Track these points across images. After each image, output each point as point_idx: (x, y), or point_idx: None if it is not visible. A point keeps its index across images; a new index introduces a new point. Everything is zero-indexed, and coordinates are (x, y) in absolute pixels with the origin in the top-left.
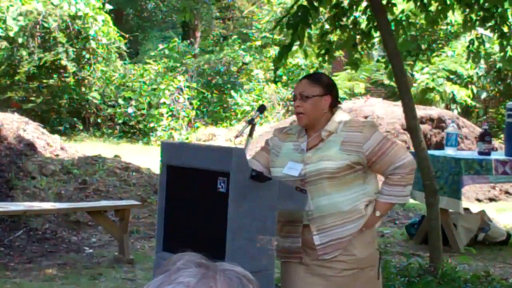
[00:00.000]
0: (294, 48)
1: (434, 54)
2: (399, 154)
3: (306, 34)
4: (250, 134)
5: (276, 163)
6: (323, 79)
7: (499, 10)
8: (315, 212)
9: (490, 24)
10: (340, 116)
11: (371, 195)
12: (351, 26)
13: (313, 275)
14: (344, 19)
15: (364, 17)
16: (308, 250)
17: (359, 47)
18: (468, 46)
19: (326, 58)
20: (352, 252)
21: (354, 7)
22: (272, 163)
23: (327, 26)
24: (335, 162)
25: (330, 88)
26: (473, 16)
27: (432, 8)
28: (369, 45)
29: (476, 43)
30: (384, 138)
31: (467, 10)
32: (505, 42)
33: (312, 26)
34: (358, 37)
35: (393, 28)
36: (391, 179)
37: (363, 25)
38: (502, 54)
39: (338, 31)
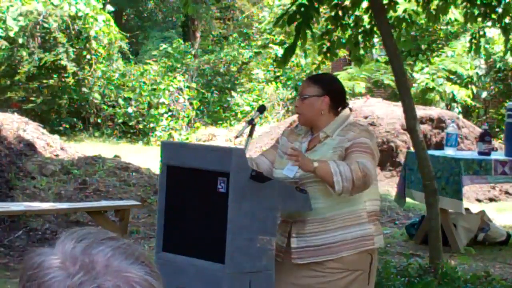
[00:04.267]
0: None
1: (434, 54)
2: (363, 160)
3: (309, 33)
4: (250, 135)
5: (279, 165)
6: (324, 80)
7: (501, 4)
8: (298, 216)
9: (492, 18)
10: (343, 119)
11: (358, 205)
12: (352, 25)
13: (300, 276)
14: (346, 18)
15: (366, 16)
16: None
17: (361, 46)
18: (471, 40)
19: (328, 55)
20: (340, 254)
21: (356, 7)
22: (275, 164)
23: (324, 25)
24: None
25: (330, 89)
26: (475, 10)
27: (433, 5)
28: (370, 44)
29: (477, 36)
30: (369, 146)
31: (468, 5)
32: (511, 37)
33: (314, 25)
34: (360, 36)
35: (395, 26)
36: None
37: (365, 23)
38: (505, 47)
39: (339, 30)
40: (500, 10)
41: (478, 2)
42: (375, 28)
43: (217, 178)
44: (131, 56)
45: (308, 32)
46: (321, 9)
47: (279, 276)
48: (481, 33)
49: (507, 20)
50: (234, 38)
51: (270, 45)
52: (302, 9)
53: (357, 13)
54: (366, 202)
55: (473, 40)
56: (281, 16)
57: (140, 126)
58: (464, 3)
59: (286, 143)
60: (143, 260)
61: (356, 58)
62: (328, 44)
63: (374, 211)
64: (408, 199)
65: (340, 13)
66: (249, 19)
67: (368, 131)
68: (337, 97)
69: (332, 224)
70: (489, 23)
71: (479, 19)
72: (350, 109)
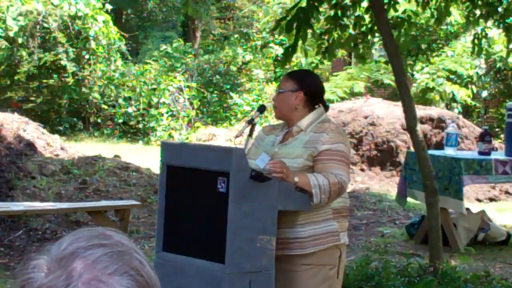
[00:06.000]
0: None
1: (434, 54)
2: (340, 172)
3: (309, 32)
4: (250, 134)
5: (253, 155)
6: (300, 76)
7: (503, 3)
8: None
9: (494, 18)
10: (317, 115)
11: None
12: (352, 26)
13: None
14: (345, 19)
15: (367, 15)
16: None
17: (360, 47)
18: (473, 40)
19: (327, 55)
20: (309, 250)
21: (356, 7)
22: (250, 154)
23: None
24: (295, 160)
25: (305, 85)
26: (477, 11)
27: (433, 5)
28: (370, 43)
29: (480, 37)
30: (344, 154)
31: (470, 6)
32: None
33: (314, 24)
34: (358, 36)
35: (395, 26)
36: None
37: (366, 22)
38: (508, 47)
39: (338, 30)
40: (501, 10)
41: (479, 3)
42: (375, 27)
43: (217, 178)
44: (129, 57)
45: (309, 31)
46: (321, 8)
47: None
48: (484, 34)
49: (509, 20)
50: (235, 39)
51: (271, 44)
52: (301, 14)
53: (357, 13)
54: None
55: (475, 41)
56: (279, 20)
57: (140, 126)
58: (466, 3)
59: (262, 136)
60: (128, 271)
61: (360, 55)
62: (327, 44)
63: (339, 209)
64: (408, 199)
65: (339, 13)
66: (249, 18)
67: (342, 133)
68: (313, 94)
69: (303, 218)
70: (489, 23)
71: (481, 20)
72: (327, 109)
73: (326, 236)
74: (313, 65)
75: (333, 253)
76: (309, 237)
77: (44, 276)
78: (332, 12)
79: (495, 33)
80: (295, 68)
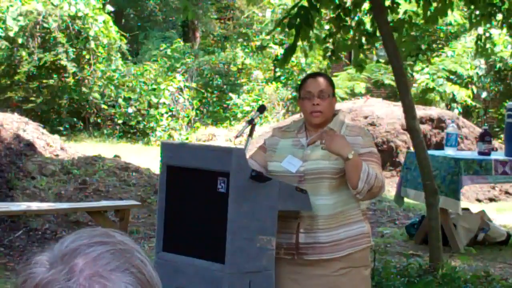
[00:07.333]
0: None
1: (434, 54)
2: (383, 178)
3: (313, 36)
4: (250, 134)
5: (274, 158)
6: (331, 80)
7: (505, 4)
8: (306, 212)
9: (497, 19)
10: (341, 118)
11: (356, 203)
12: (354, 27)
13: (305, 275)
14: (348, 20)
15: (368, 18)
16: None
17: (365, 47)
18: (477, 42)
19: (333, 58)
20: (346, 251)
21: (358, 8)
22: (270, 159)
23: (327, 27)
24: (336, 162)
25: (334, 90)
26: (479, 11)
27: (434, 5)
28: (374, 45)
29: (483, 38)
30: (379, 158)
31: (472, 7)
32: None
33: (315, 26)
34: (363, 38)
35: (396, 27)
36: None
37: (367, 26)
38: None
39: (341, 32)
40: (503, 10)
41: (480, 3)
42: (377, 31)
43: (217, 178)
44: (129, 57)
45: (310, 31)
46: (323, 12)
47: (288, 275)
48: (487, 34)
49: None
50: (236, 42)
51: (270, 45)
52: (303, 12)
53: (359, 15)
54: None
55: (478, 42)
56: (282, 19)
57: (140, 126)
58: (468, 5)
59: (275, 140)
60: (130, 268)
61: (358, 63)
62: (332, 47)
63: (365, 210)
64: (407, 199)
65: (342, 14)
66: (249, 19)
67: (369, 135)
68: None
69: (336, 221)
70: (488, 24)
71: (483, 20)
72: None
73: (360, 238)
74: (321, 66)
75: (367, 253)
76: (345, 238)
77: (45, 270)
78: (334, 14)
79: (495, 33)
80: (295, 68)
